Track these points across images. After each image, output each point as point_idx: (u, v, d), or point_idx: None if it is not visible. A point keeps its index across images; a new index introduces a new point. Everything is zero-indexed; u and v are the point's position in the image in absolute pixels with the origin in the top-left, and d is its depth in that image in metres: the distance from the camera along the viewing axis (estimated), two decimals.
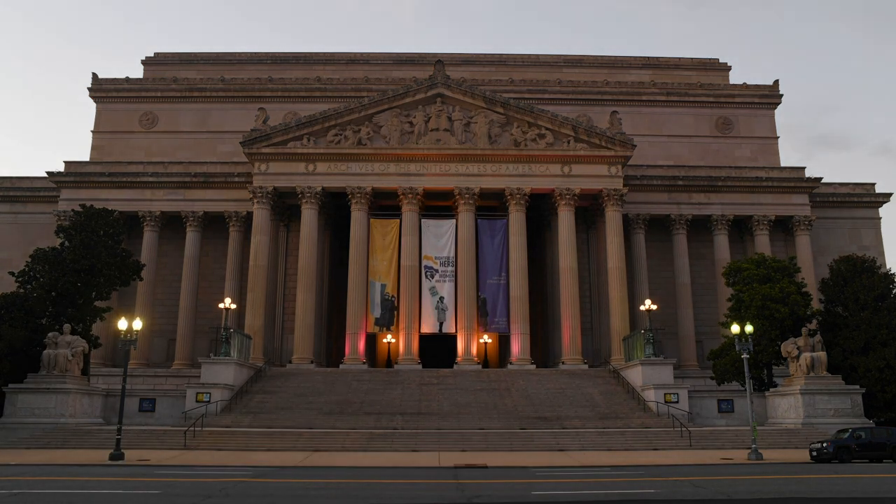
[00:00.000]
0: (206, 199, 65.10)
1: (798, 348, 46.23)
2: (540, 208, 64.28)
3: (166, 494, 20.67)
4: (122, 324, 37.01)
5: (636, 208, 64.91)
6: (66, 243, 49.72)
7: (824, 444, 33.68)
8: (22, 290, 48.13)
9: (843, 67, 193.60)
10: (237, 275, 63.21)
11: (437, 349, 61.74)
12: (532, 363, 57.63)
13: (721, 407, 48.39)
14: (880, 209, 71.12)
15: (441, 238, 60.52)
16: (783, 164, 73.17)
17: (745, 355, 38.67)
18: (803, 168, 67.26)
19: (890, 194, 71.12)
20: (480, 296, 59.68)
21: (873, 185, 71.56)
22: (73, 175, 64.89)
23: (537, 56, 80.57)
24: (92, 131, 73.33)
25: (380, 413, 46.35)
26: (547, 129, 60.27)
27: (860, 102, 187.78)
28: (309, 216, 59.64)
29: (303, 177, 59.79)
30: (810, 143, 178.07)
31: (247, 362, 53.53)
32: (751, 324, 41.33)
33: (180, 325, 62.98)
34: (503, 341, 62.54)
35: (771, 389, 49.05)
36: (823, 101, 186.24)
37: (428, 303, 59.26)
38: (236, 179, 64.20)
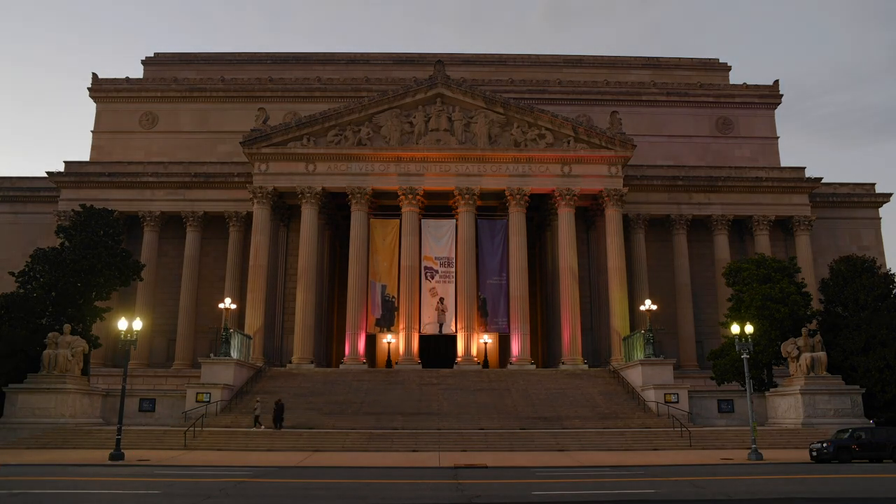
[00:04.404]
0: (206, 199, 65.17)
1: (798, 348, 46.21)
2: (540, 208, 64.28)
3: (166, 494, 20.67)
4: (122, 324, 36.94)
5: (636, 208, 64.92)
6: (66, 243, 49.74)
7: (824, 445, 33.63)
8: (22, 290, 48.12)
9: (843, 64, 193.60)
10: (237, 275, 63.22)
11: (437, 349, 61.77)
12: (532, 363, 57.62)
13: (721, 407, 48.36)
14: (880, 209, 71.12)
15: (441, 238, 60.51)
16: (783, 163, 73.21)
17: (745, 355, 38.65)
18: (803, 168, 67.25)
19: (890, 194, 71.14)
20: (480, 296, 59.67)
21: (873, 185, 71.57)
22: (73, 175, 64.90)
23: (537, 56, 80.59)
24: (92, 131, 73.36)
25: (380, 413, 46.35)
26: (547, 129, 60.25)
27: (860, 98, 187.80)
28: (309, 216, 59.63)
29: (303, 177, 59.75)
30: (810, 142, 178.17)
31: (247, 362, 53.51)
32: (751, 324, 41.27)
33: (180, 325, 63.00)
34: (503, 341, 62.53)
35: (771, 389, 49.02)
36: (824, 98, 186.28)
37: (428, 303, 59.25)
38: (236, 179, 64.22)
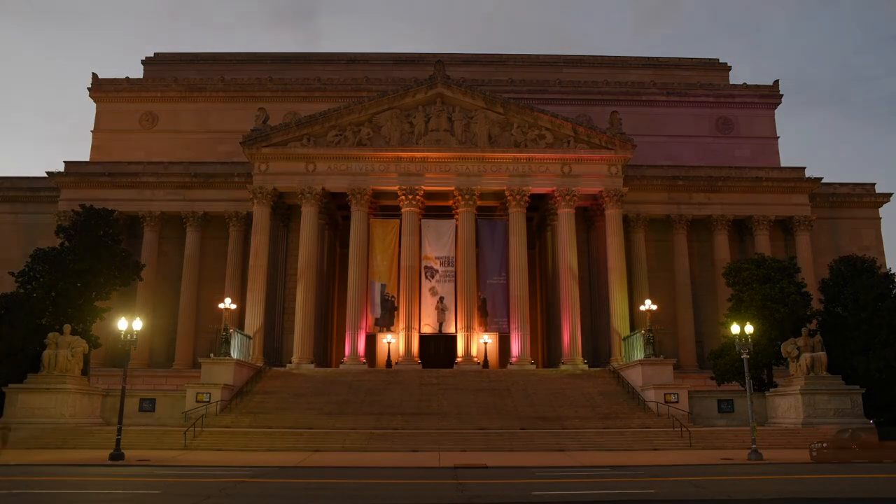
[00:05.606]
0: (206, 199, 65.17)
1: (798, 348, 46.17)
2: (540, 208, 64.28)
3: (166, 494, 20.69)
4: (122, 324, 36.91)
5: (636, 208, 64.89)
6: (67, 243, 49.71)
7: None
8: (22, 291, 48.06)
9: (844, 63, 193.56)
10: (237, 275, 63.21)
11: (437, 349, 61.74)
12: (532, 363, 57.63)
13: (721, 407, 48.30)
14: (880, 209, 71.09)
15: (441, 238, 60.55)
16: (783, 163, 73.23)
17: (745, 355, 38.66)
18: (803, 168, 67.23)
19: (890, 194, 71.11)
20: (480, 296, 59.67)
21: (873, 185, 71.54)
22: (74, 175, 64.89)
23: (537, 56, 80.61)
24: (92, 131, 73.42)
25: (380, 413, 46.32)
26: (547, 129, 60.25)
27: (860, 97, 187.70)
28: (309, 216, 59.63)
29: (303, 177, 59.76)
30: (810, 140, 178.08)
31: (247, 362, 53.49)
32: (751, 324, 41.19)
33: (180, 325, 62.99)
34: (503, 341, 62.51)
35: (771, 390, 49.00)
36: (824, 98, 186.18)
37: (428, 303, 59.26)
38: (236, 179, 64.22)
